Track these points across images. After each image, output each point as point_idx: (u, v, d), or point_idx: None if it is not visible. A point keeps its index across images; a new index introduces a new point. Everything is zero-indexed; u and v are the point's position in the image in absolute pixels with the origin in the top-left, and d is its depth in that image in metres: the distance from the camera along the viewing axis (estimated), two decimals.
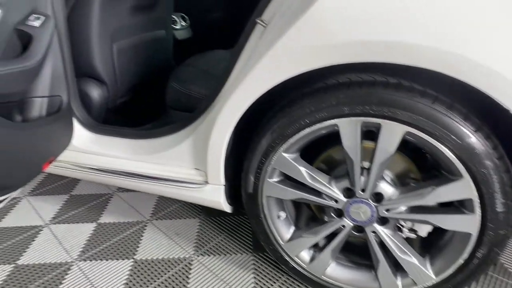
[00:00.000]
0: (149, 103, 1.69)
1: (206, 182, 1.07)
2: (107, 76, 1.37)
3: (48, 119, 1.00)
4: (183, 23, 1.95)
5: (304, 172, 0.90)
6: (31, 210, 1.54)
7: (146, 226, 1.42)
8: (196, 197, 1.13)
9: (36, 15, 0.88)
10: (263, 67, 0.80)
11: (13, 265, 1.24)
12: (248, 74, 0.82)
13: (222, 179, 1.03)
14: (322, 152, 0.97)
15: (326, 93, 0.80)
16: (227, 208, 1.11)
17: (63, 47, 1.06)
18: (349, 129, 0.80)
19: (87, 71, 1.34)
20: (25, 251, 1.31)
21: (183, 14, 1.98)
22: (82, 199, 1.61)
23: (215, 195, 1.07)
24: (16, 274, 1.20)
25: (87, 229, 1.41)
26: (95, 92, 1.35)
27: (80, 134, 1.25)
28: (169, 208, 1.52)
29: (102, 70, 1.34)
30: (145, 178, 1.19)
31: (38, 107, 1.00)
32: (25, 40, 0.86)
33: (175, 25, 1.89)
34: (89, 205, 1.56)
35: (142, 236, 1.36)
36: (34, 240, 1.36)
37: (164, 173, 1.15)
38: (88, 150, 1.26)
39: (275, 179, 0.95)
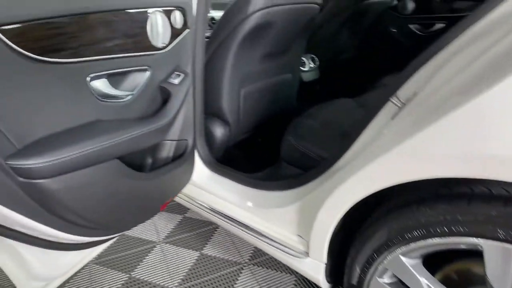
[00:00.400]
0: (267, 143, 1.71)
1: (307, 254, 0.99)
2: (231, 117, 1.43)
3: (173, 164, 1.08)
4: (312, 65, 1.93)
5: (424, 285, 0.73)
6: (152, 223, 1.73)
7: (243, 269, 1.42)
8: (294, 265, 1.06)
9: (177, 73, 0.97)
10: (392, 159, 0.68)
11: (128, 275, 1.39)
12: (373, 161, 0.72)
13: (324, 258, 0.94)
14: (451, 261, 0.78)
15: (470, 204, 0.63)
16: (325, 286, 1.01)
17: (196, 97, 1.14)
18: (500, 256, 0.61)
19: (213, 111, 1.43)
20: (139, 264, 1.46)
21: (313, 55, 1.96)
22: (193, 224, 1.72)
23: (314, 270, 0.99)
24: (129, 285, 1.34)
25: (190, 257, 1.50)
26: (219, 131, 1.43)
27: (199, 170, 1.33)
28: (268, 255, 1.49)
29: (227, 112, 1.41)
30: (247, 229, 1.19)
31: (167, 150, 1.10)
32: (165, 96, 0.95)
33: (303, 67, 1.89)
34: (198, 232, 1.66)
35: (237, 279, 1.37)
36: (147, 256, 1.51)
37: (266, 230, 1.13)
38: (203, 187, 1.34)
39: (386, 280, 0.81)
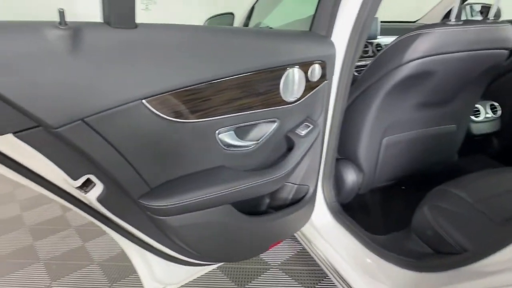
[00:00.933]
0: (402, 201, 1.50)
1: None
2: (367, 165, 1.32)
3: (289, 209, 1.08)
4: (489, 115, 1.56)
5: None
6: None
7: None
8: None
9: (307, 123, 0.96)
10: None
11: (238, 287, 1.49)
12: None
13: None
14: None
15: None
16: None
17: (328, 145, 1.11)
18: None
19: (348, 155, 1.35)
20: (251, 282, 1.54)
21: (494, 103, 1.58)
22: (309, 259, 1.69)
23: None
24: None
25: None
26: (350, 177, 1.35)
27: (320, 213, 1.29)
28: None
29: (363, 159, 1.31)
30: None
31: (286, 192, 1.11)
32: (290, 145, 0.96)
33: (475, 117, 1.55)
34: (312, 268, 1.62)
35: None
36: (260, 275, 1.58)
37: None
38: (321, 232, 1.29)
39: None
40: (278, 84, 0.83)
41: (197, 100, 0.71)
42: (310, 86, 0.90)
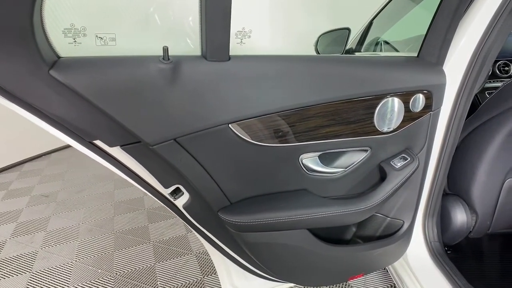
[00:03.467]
0: None
1: None
2: (482, 207, 1.14)
3: (378, 243, 1.01)
4: None
5: None
6: None
7: None
8: None
9: (404, 155, 0.89)
10: None
11: None
12: None
13: None
14: None
15: None
16: None
17: (425, 180, 1.00)
18: None
19: (458, 191, 1.19)
20: None
21: None
22: None
23: None
24: None
25: None
26: (459, 216, 1.18)
27: (418, 252, 1.17)
28: None
29: (478, 199, 1.13)
30: None
31: (377, 224, 1.04)
32: (383, 175, 0.90)
33: None
34: None
35: None
36: None
37: None
38: (415, 273, 1.17)
39: None
40: (373, 113, 0.80)
41: (282, 126, 0.74)
42: (410, 116, 0.83)
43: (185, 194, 0.82)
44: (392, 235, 1.05)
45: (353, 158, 0.86)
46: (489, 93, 1.74)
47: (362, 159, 0.86)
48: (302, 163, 0.82)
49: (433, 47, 0.84)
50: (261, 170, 0.80)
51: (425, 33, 0.85)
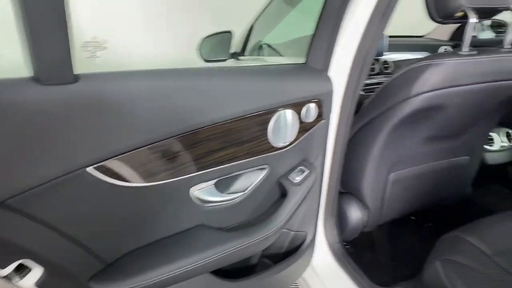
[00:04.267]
0: (412, 237, 1.38)
1: None
2: (372, 202, 1.21)
3: (284, 264, 0.96)
4: (505, 143, 1.44)
5: None
6: None
7: None
8: None
9: (302, 167, 0.85)
10: None
11: None
12: None
13: None
14: None
15: None
16: None
17: (322, 187, 0.99)
18: None
19: (352, 191, 1.24)
20: None
21: (510, 130, 1.46)
22: None
23: None
24: None
25: None
26: (354, 214, 1.23)
27: (321, 254, 1.17)
28: None
29: (368, 196, 1.19)
30: None
31: (281, 240, 0.99)
32: (283, 192, 0.85)
33: (489, 146, 1.43)
34: None
35: None
36: None
37: None
38: (321, 277, 1.17)
39: None
40: (266, 129, 0.72)
41: (162, 158, 0.60)
42: (304, 127, 0.80)
43: (35, 269, 0.60)
44: (298, 248, 1.02)
45: (251, 179, 0.78)
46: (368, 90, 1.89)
47: (260, 179, 0.79)
48: (195, 196, 0.69)
49: (318, 53, 0.82)
50: (142, 216, 0.63)
51: (310, 38, 0.83)
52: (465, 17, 0.90)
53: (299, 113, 0.77)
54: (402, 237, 1.47)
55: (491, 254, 0.88)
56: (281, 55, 1.82)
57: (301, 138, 0.80)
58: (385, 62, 1.95)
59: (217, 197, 0.73)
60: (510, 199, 1.56)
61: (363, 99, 1.83)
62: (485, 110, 1.08)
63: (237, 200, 0.77)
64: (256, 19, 2.02)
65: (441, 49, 2.15)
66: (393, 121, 1.01)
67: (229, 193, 0.75)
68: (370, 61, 0.85)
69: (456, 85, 0.91)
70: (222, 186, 0.74)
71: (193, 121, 0.60)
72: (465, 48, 0.92)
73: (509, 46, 0.98)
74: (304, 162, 0.86)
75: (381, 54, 1.97)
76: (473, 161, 1.30)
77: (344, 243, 1.23)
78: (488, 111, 1.10)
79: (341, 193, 1.28)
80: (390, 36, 1.92)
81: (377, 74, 1.95)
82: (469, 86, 0.94)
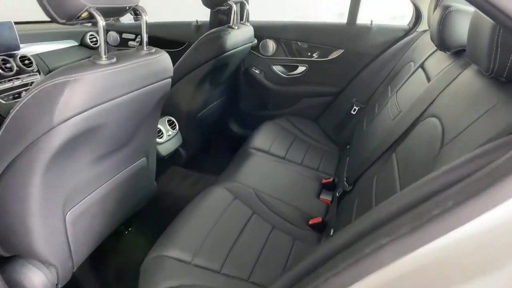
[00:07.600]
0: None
1: None
2: (56, 255, 0.95)
3: None
4: (170, 132, 1.54)
5: None
6: None
7: None
8: None
9: None
10: None
11: None
12: None
13: None
14: None
15: None
16: None
17: None
18: None
19: (24, 253, 0.92)
20: None
21: (171, 118, 1.57)
22: None
23: None
24: None
25: None
26: (37, 279, 0.92)
27: None
28: None
29: (48, 251, 0.92)
30: None
31: None
32: None
33: (159, 138, 1.48)
34: None
35: None
36: None
37: None
38: None
39: None
40: None
41: None
42: None
43: None
44: None
45: None
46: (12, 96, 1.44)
47: None
48: None
49: None
50: None
51: None
52: (92, 17, 0.77)
53: None
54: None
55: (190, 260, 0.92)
56: None
57: None
58: (24, 56, 1.55)
59: None
60: (188, 178, 1.75)
61: (7, 110, 1.40)
62: (147, 112, 1.05)
63: None
64: None
65: (87, 37, 1.96)
66: (45, 158, 0.77)
67: None
68: None
69: (105, 101, 0.79)
70: None
71: None
72: (103, 56, 0.79)
73: (146, 48, 0.95)
74: None
75: (17, 48, 1.54)
76: (150, 159, 1.29)
77: None
78: (150, 111, 1.08)
79: (6, 259, 0.93)
80: (17, 23, 1.50)
81: (17, 74, 1.53)
82: (120, 98, 0.84)
